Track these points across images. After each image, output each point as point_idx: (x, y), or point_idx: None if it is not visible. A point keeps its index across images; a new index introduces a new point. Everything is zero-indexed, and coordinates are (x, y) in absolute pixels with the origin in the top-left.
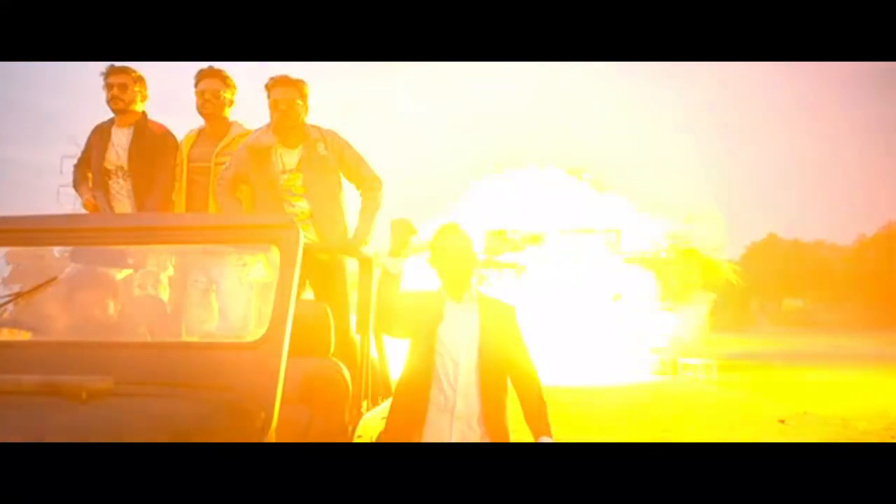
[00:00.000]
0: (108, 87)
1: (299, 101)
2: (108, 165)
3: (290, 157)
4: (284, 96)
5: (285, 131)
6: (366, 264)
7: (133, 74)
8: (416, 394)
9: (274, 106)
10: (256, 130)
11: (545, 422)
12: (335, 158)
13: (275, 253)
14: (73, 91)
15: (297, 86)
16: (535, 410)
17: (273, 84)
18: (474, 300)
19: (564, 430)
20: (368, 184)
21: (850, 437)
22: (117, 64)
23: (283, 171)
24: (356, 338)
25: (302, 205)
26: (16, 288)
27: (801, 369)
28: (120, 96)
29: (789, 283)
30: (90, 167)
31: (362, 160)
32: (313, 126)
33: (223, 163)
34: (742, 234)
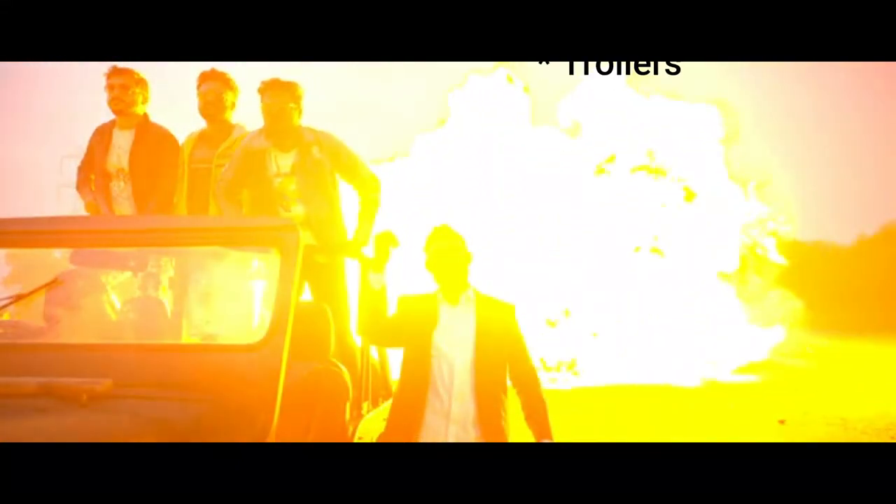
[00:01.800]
0: (110, 88)
1: (291, 105)
2: (110, 168)
3: (283, 161)
4: (275, 101)
5: (278, 135)
6: (366, 266)
7: (135, 76)
8: (412, 398)
9: (266, 110)
10: (250, 134)
11: (546, 423)
12: (331, 161)
13: (275, 255)
14: (74, 91)
15: (289, 89)
16: (536, 411)
17: (264, 88)
18: (471, 301)
19: (556, 431)
20: (366, 185)
21: (850, 437)
22: (119, 65)
23: (277, 175)
24: (356, 339)
25: (297, 209)
26: (16, 288)
27: (801, 369)
28: (121, 97)
29: (788, 283)
30: (93, 169)
31: (359, 161)
32: (308, 128)
33: (224, 165)
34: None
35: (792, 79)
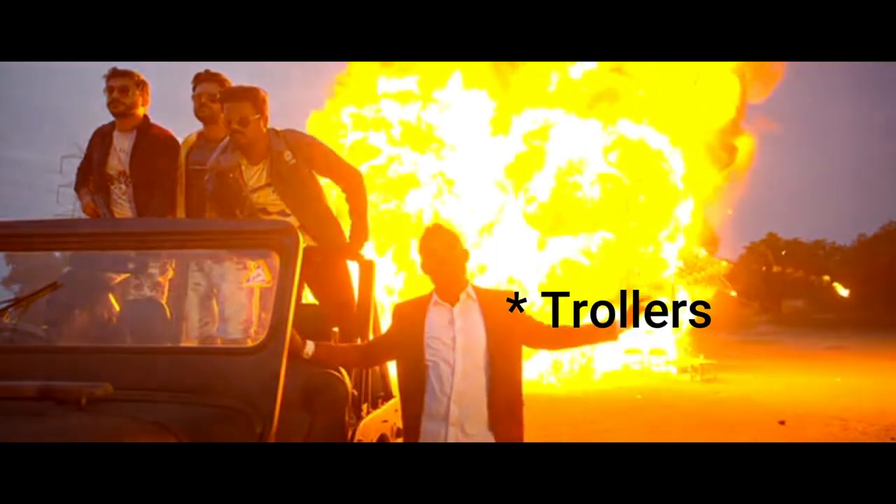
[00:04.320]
0: (109, 90)
1: (255, 116)
2: (110, 171)
3: (256, 174)
4: (235, 113)
5: (244, 149)
6: (366, 267)
7: (135, 78)
8: (410, 405)
9: (226, 124)
10: (218, 149)
11: (599, 327)
12: (306, 163)
13: (275, 258)
14: (74, 91)
15: (249, 96)
16: (587, 331)
17: (222, 98)
18: (473, 298)
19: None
20: (348, 179)
21: (850, 437)
22: (120, 67)
23: (253, 190)
24: (357, 341)
25: (287, 220)
26: (16, 288)
27: (801, 369)
28: (121, 100)
29: (789, 283)
30: (92, 171)
31: (334, 155)
32: (276, 132)
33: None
34: (742, 234)
35: (791, 78)
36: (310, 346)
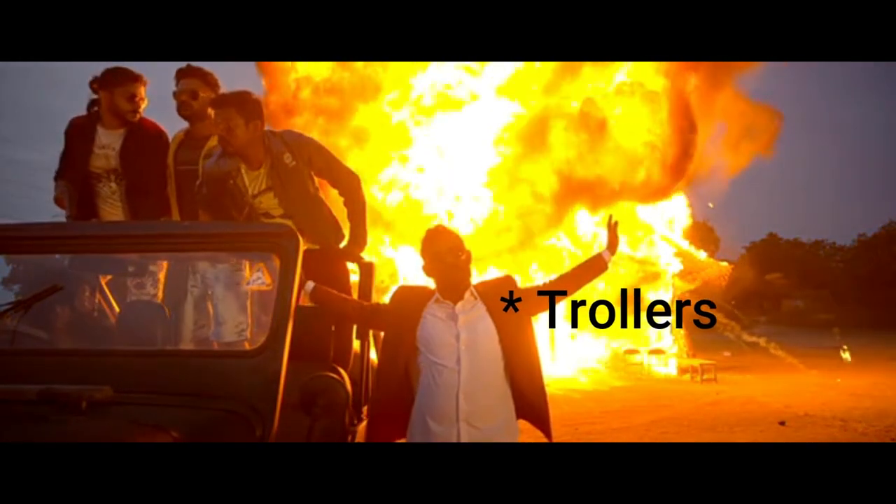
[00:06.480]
0: (131, 97)
1: (241, 122)
2: (94, 169)
3: (257, 179)
4: (220, 120)
5: (239, 155)
6: (366, 269)
7: (146, 81)
8: (395, 409)
9: (214, 129)
10: (215, 155)
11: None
12: (306, 164)
13: (275, 261)
14: (75, 91)
15: (234, 103)
16: (580, 270)
17: (211, 105)
18: (476, 297)
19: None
20: (346, 183)
21: (850, 437)
22: (132, 69)
23: (253, 195)
24: (356, 343)
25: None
26: (16, 288)
27: (801, 370)
28: (140, 109)
29: (789, 283)
30: (71, 165)
31: (333, 158)
32: (274, 134)
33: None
34: (741, 234)
35: (791, 78)
36: (309, 285)
